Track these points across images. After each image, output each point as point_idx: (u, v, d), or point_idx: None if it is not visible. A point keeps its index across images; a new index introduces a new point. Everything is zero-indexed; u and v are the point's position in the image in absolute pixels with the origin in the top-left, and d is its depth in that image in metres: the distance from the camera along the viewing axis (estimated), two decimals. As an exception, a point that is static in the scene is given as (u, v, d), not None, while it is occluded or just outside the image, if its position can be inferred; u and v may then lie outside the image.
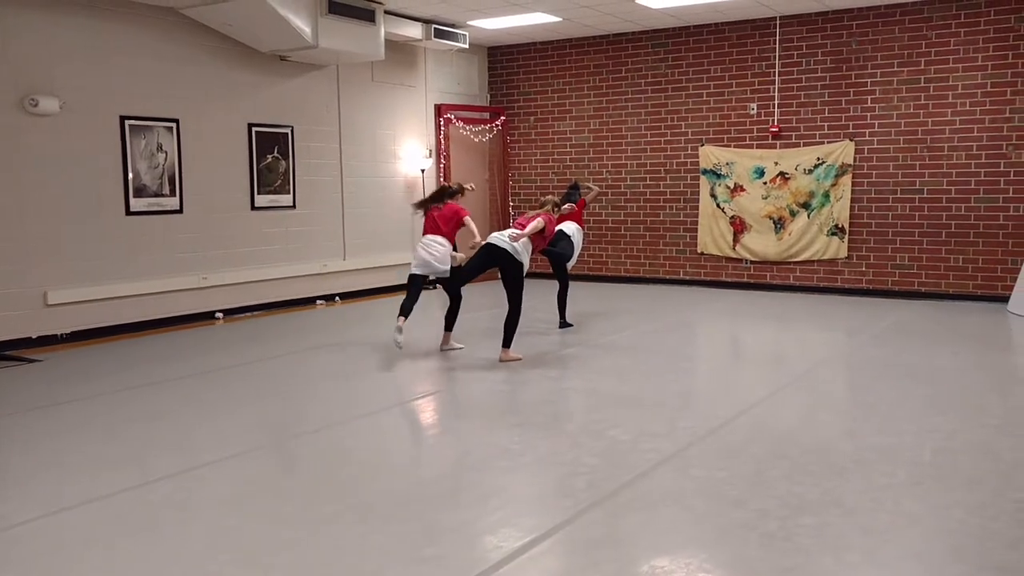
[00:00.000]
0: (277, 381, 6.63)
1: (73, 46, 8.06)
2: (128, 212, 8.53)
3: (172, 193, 8.89)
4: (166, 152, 8.82)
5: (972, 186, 9.83)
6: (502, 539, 3.57)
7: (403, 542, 3.56)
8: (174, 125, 8.87)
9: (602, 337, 8.08)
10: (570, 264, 8.51)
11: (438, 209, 7.48)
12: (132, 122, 8.51)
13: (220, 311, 9.38)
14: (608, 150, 12.13)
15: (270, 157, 9.89)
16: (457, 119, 12.23)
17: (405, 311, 7.16)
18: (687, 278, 11.73)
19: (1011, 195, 9.64)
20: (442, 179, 12.01)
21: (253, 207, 9.73)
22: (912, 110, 10.07)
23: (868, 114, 10.33)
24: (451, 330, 7.53)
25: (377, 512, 3.90)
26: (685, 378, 6.72)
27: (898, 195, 10.25)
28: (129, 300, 8.55)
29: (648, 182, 11.88)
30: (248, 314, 9.65)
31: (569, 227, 8.51)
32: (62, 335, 8.09)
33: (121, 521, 3.86)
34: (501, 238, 6.95)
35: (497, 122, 12.76)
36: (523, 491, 4.18)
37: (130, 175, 8.52)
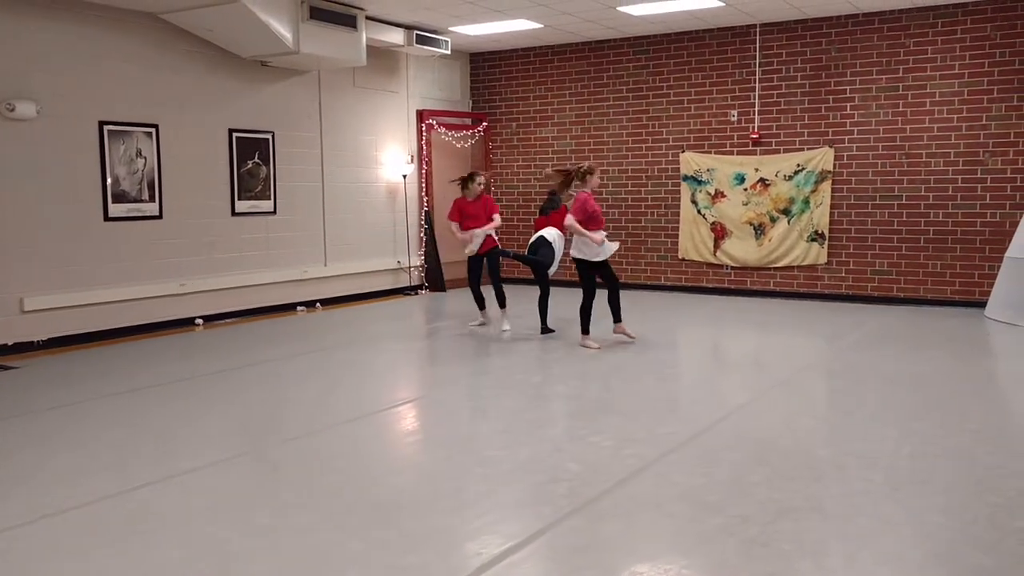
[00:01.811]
0: (257, 388, 6.59)
1: (51, 50, 7.99)
2: (107, 218, 8.46)
3: (151, 199, 8.83)
4: (145, 158, 8.76)
5: (950, 192, 9.93)
6: (482, 546, 3.56)
7: (383, 549, 3.55)
8: (153, 130, 8.81)
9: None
10: (551, 271, 8.53)
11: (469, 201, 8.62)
12: (111, 127, 8.45)
13: (200, 317, 9.32)
14: (590, 156, 12.13)
15: (251, 163, 9.84)
16: (439, 125, 12.21)
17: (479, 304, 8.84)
18: (668, 284, 11.76)
19: (988, 201, 9.75)
20: (423, 185, 12.00)
21: (233, 213, 9.68)
22: (891, 117, 10.17)
23: (847, 121, 10.42)
24: (484, 308, 8.85)
25: (357, 519, 3.88)
26: (666, 384, 6.73)
27: (877, 201, 10.33)
28: (107, 306, 8.48)
29: (629, 188, 11.92)
30: (228, 320, 9.59)
31: (550, 233, 8.54)
32: (39, 342, 8.00)
33: (99, 530, 3.82)
34: (609, 252, 7.76)
35: (479, 128, 12.76)
36: (504, 498, 4.17)
37: (109, 180, 8.45)
